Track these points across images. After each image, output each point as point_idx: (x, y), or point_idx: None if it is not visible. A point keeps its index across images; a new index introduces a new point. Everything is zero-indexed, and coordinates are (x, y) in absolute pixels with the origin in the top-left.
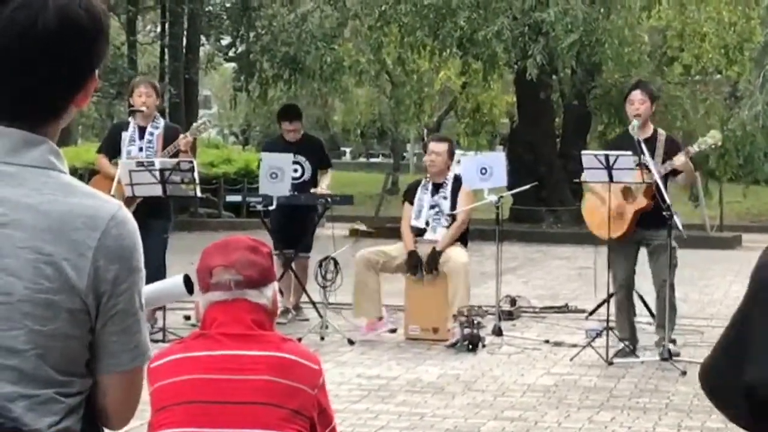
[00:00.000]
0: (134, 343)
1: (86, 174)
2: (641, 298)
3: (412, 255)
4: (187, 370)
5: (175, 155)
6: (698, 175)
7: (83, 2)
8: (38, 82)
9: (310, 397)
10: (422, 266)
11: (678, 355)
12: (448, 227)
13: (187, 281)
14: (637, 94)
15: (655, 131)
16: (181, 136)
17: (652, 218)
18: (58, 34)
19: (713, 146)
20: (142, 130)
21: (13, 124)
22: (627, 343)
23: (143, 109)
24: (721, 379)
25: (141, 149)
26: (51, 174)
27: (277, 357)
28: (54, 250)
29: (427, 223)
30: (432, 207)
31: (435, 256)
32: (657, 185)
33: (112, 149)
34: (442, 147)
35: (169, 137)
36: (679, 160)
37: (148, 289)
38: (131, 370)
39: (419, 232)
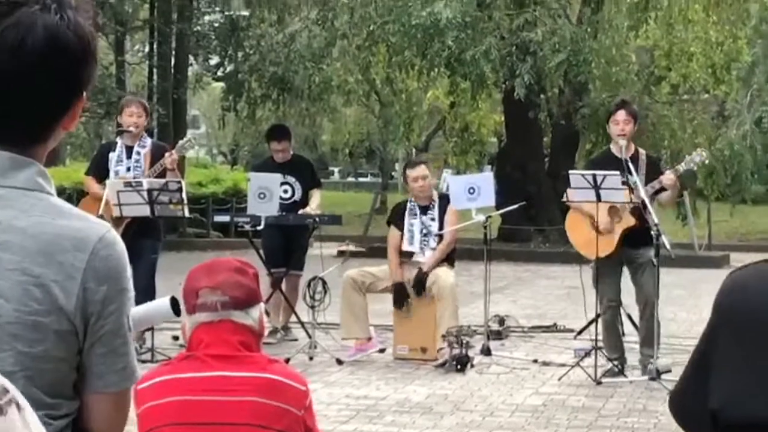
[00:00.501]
0: (122, 365)
1: (75, 194)
2: (629, 317)
3: (399, 289)
4: (174, 391)
5: (162, 174)
6: (686, 194)
7: (72, 24)
8: (26, 104)
9: (297, 418)
10: (408, 300)
11: (669, 371)
12: (435, 248)
13: (174, 303)
14: (622, 114)
15: (637, 150)
16: (167, 154)
17: (639, 237)
18: (47, 55)
19: (701, 164)
20: (129, 150)
21: (1, 146)
22: (616, 362)
23: (132, 129)
24: (688, 406)
25: (129, 169)
26: (39, 196)
27: (264, 378)
28: (43, 272)
29: (419, 244)
30: (422, 230)
31: (421, 278)
32: (644, 204)
33: (100, 170)
34: (422, 170)
35: (156, 156)
36: (668, 178)
37: (135, 311)
38: (119, 392)
39: (409, 255)
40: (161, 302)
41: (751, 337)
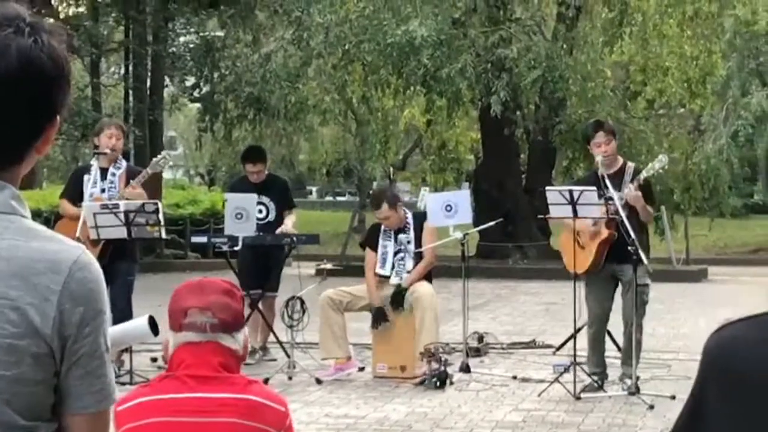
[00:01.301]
0: (100, 386)
1: (51, 217)
2: (608, 333)
3: (378, 311)
4: (154, 412)
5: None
6: (664, 208)
7: (45, 47)
8: None
9: None
10: (386, 320)
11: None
12: (410, 271)
13: (152, 322)
14: (601, 136)
15: (624, 164)
16: (128, 188)
17: (621, 252)
18: (20, 78)
19: (661, 170)
20: (104, 172)
21: None
22: (596, 378)
23: (107, 151)
24: None
25: (103, 190)
26: (12, 219)
27: (244, 399)
28: (18, 295)
29: (393, 267)
30: (396, 253)
31: (400, 293)
32: (621, 219)
33: (74, 193)
34: (384, 212)
35: (131, 178)
36: (629, 195)
37: (112, 330)
38: (97, 413)
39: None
40: (139, 322)
41: (739, 397)
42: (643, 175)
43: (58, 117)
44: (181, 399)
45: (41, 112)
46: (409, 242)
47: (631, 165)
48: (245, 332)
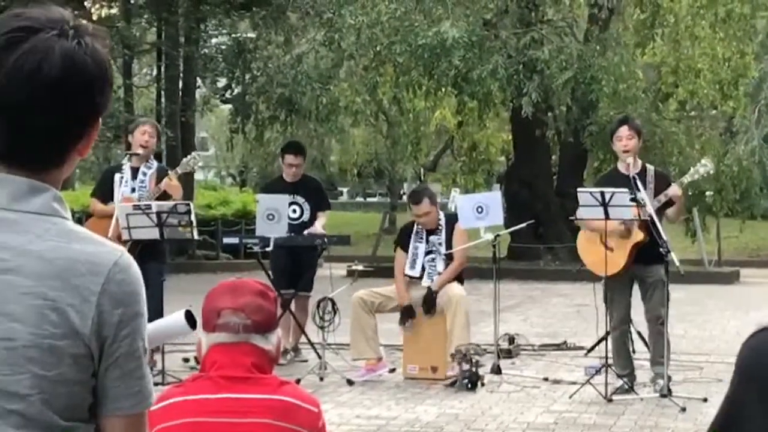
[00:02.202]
0: (137, 387)
1: (84, 217)
2: (639, 334)
3: (407, 310)
4: (187, 413)
5: (161, 197)
6: (696, 210)
7: (89, 49)
8: (41, 128)
9: None
10: (412, 320)
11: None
12: (441, 273)
13: (189, 316)
14: (624, 130)
15: (644, 166)
16: (165, 178)
17: (649, 254)
18: (63, 80)
19: (705, 175)
20: (135, 171)
21: (16, 169)
22: (626, 379)
23: (139, 151)
24: None
25: (133, 189)
26: (54, 221)
27: (277, 400)
28: (58, 296)
29: (423, 269)
30: (428, 253)
31: (431, 296)
32: (652, 221)
33: (105, 192)
34: (425, 207)
35: (161, 179)
36: (673, 190)
37: (150, 327)
38: (134, 414)
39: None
40: (176, 317)
41: None
42: (687, 179)
43: (99, 119)
44: (214, 399)
45: (84, 114)
46: (440, 244)
47: (651, 167)
48: (278, 333)
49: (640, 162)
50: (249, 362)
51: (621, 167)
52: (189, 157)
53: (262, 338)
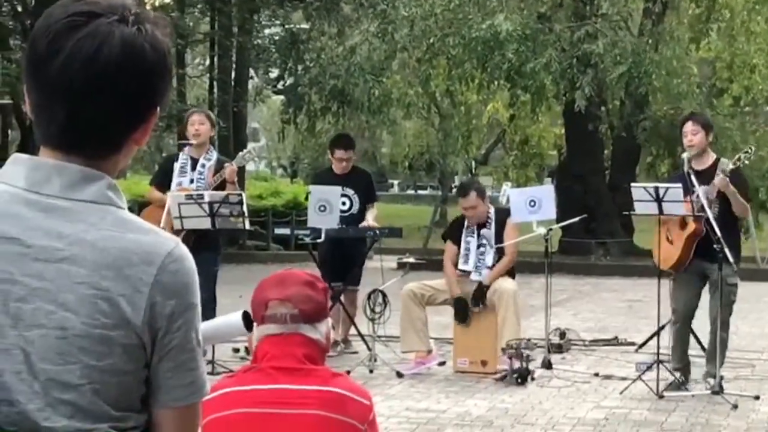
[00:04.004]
0: (190, 379)
1: (135, 207)
2: (692, 331)
3: (460, 302)
4: (238, 403)
5: (221, 186)
6: (749, 206)
7: (149, 36)
8: (98, 113)
9: None
10: (469, 312)
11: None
12: (493, 266)
13: (246, 318)
14: (689, 125)
15: (716, 160)
16: (226, 165)
17: (710, 250)
18: (121, 65)
19: (746, 161)
20: (194, 162)
21: (71, 156)
22: (679, 374)
23: (193, 141)
24: None
25: (192, 180)
26: (109, 209)
27: (328, 392)
28: (110, 286)
29: (475, 263)
30: (478, 247)
31: (482, 290)
32: (707, 217)
33: (164, 181)
34: (472, 200)
35: (219, 170)
36: (717, 180)
37: (206, 326)
38: (187, 406)
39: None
40: (233, 317)
41: None
42: (729, 166)
43: (158, 107)
44: (265, 390)
45: (142, 100)
46: (489, 237)
47: (724, 161)
48: (328, 323)
49: (712, 156)
50: (300, 353)
51: (683, 164)
52: (245, 151)
53: (311, 328)
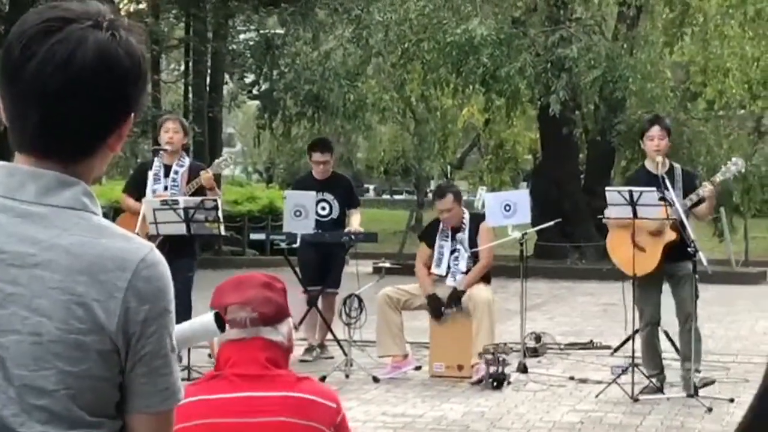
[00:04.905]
0: (164, 385)
1: (111, 212)
2: (666, 333)
3: (433, 299)
4: (202, 414)
5: (198, 192)
6: (723, 210)
7: (123, 42)
8: (72, 118)
9: None
10: (444, 307)
11: (712, 383)
12: (467, 271)
13: (218, 318)
14: (656, 130)
15: (672, 165)
16: (203, 172)
17: (677, 251)
18: (95, 70)
19: (737, 173)
20: (167, 168)
21: (46, 161)
22: (654, 379)
23: (167, 147)
24: None
25: (166, 187)
26: (83, 215)
27: (294, 397)
28: (85, 291)
29: (449, 267)
30: (452, 252)
31: (457, 294)
32: (681, 220)
33: (137, 188)
34: (448, 203)
35: (193, 176)
36: (707, 189)
37: (179, 329)
38: (161, 412)
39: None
40: (205, 319)
41: None
42: (720, 177)
43: (132, 114)
44: (229, 399)
45: (115, 106)
46: (463, 242)
47: (678, 166)
48: (289, 323)
49: (668, 161)
50: (263, 357)
51: (649, 166)
52: (221, 158)
53: (272, 330)
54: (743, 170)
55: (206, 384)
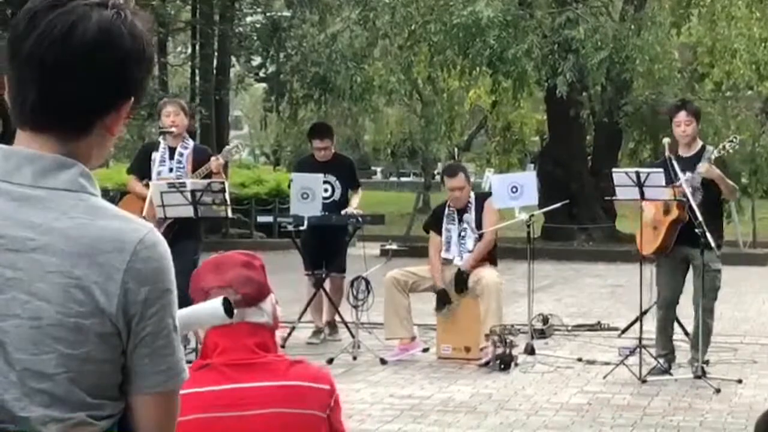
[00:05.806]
0: (167, 365)
1: (118, 195)
2: (676, 318)
3: (442, 293)
4: (193, 408)
5: (207, 177)
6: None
7: (127, 23)
8: (68, 92)
9: (322, 420)
10: (449, 305)
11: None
12: (472, 250)
13: (227, 304)
14: (682, 115)
15: (703, 147)
16: (213, 158)
17: (693, 236)
18: (95, 45)
19: (731, 150)
20: (172, 151)
21: (43, 136)
22: (662, 360)
23: (173, 129)
24: None
25: (171, 170)
26: (81, 197)
27: (285, 386)
28: (83, 274)
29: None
30: (460, 233)
31: (461, 276)
32: (689, 202)
33: (142, 170)
34: (459, 181)
35: (198, 158)
36: (702, 167)
37: (185, 312)
38: (164, 392)
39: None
40: (213, 303)
41: None
42: (714, 154)
43: (133, 96)
44: (221, 391)
45: (114, 85)
46: (470, 222)
47: (710, 148)
48: (272, 299)
49: (699, 143)
50: (251, 343)
51: (680, 150)
52: (232, 145)
53: (257, 310)
54: (737, 146)
55: (196, 374)
